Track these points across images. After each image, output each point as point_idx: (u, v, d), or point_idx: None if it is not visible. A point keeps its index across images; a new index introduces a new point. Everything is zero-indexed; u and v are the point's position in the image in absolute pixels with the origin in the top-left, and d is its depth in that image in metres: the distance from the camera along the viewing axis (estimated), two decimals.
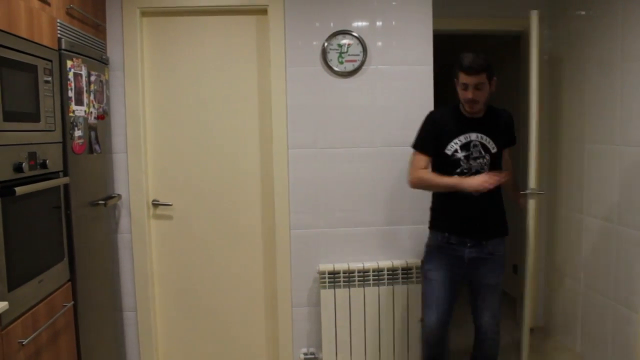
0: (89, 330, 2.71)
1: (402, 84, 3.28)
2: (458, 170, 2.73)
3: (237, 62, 3.31)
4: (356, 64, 3.22)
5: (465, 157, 2.72)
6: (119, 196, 3.22)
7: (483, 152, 2.73)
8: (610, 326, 3.15)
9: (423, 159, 2.79)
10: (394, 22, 3.25)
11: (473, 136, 2.73)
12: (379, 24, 3.24)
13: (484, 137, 2.74)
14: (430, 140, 2.78)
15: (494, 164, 2.77)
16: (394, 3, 3.24)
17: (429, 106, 3.25)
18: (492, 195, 2.75)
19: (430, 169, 2.80)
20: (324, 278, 3.21)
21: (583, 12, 3.44)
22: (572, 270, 3.59)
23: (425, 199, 3.01)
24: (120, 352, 3.31)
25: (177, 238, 3.39)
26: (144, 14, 3.24)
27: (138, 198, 3.26)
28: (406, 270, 3.24)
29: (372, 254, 3.32)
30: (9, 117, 2.01)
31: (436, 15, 3.27)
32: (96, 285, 2.88)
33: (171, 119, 3.33)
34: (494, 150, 2.75)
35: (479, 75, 2.61)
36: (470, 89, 2.63)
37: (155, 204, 3.35)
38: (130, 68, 3.20)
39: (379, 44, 3.24)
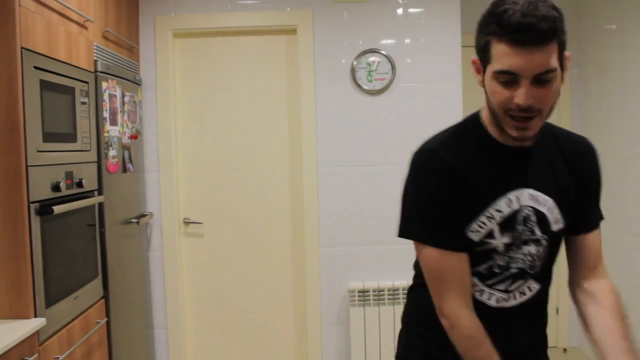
0: (121, 347, 2.74)
1: (430, 101, 3.27)
2: (482, 270, 1.28)
3: (267, 81, 3.35)
4: (385, 82, 3.23)
5: (506, 246, 1.26)
6: (151, 214, 3.27)
7: (537, 231, 1.27)
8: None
9: (455, 260, 1.25)
10: (422, 40, 3.26)
11: (524, 196, 1.25)
12: (407, 41, 3.26)
13: (541, 196, 1.26)
14: (449, 217, 1.25)
15: (550, 258, 1.33)
16: (422, 21, 3.26)
17: None
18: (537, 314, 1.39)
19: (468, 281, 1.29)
20: (354, 296, 3.19)
21: (614, 26, 3.40)
22: None
23: None
24: None
25: (207, 256, 3.42)
26: (177, 35, 3.31)
27: (169, 216, 3.30)
28: None
29: (402, 272, 3.30)
30: (48, 137, 2.07)
31: (465, 31, 3.28)
32: (128, 302, 2.91)
33: (202, 138, 3.38)
34: (557, 227, 1.29)
35: (546, 48, 1.10)
36: (523, 84, 1.12)
37: (187, 222, 3.39)
38: (163, 88, 3.27)
39: (408, 61, 3.25)
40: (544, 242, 1.28)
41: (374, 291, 3.19)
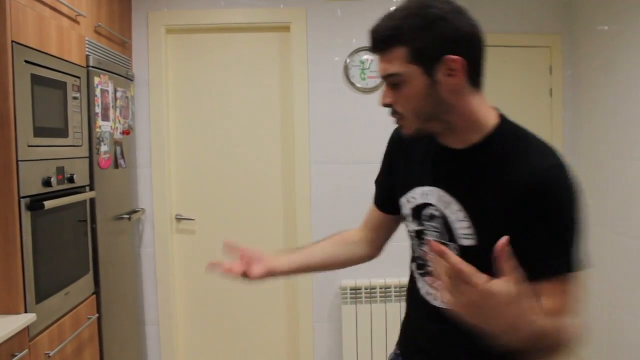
0: (113, 343, 2.74)
1: None
2: (417, 259, 1.37)
3: (260, 78, 3.34)
4: (378, 80, 3.23)
5: (416, 233, 1.33)
6: (143, 210, 3.26)
7: (445, 235, 1.24)
8: (636, 343, 3.08)
9: (372, 209, 1.55)
10: None
11: (433, 195, 1.26)
12: None
13: (454, 203, 1.21)
14: (382, 180, 1.50)
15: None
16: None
17: None
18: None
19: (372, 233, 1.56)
20: (346, 293, 3.20)
21: (606, 27, 3.42)
22: (596, 287, 3.53)
23: None
24: None
25: (199, 252, 3.41)
26: (169, 31, 3.30)
27: (161, 212, 3.30)
28: None
29: (394, 270, 3.30)
30: (39, 132, 2.06)
31: None
32: (120, 299, 2.91)
33: (194, 135, 3.37)
34: (467, 243, 1.19)
35: (387, 54, 1.15)
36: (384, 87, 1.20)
37: (179, 219, 3.38)
38: (155, 84, 3.25)
39: None
40: (454, 251, 1.18)
41: (365, 289, 3.19)
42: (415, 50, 1.10)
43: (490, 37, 4.23)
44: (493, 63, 4.31)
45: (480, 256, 1.03)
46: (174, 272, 3.37)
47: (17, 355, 1.82)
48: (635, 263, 3.08)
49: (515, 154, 1.15)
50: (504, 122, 1.21)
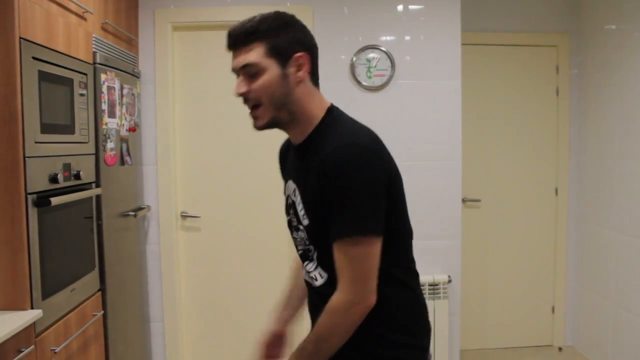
0: (118, 340, 2.74)
1: (430, 98, 3.27)
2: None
3: None
4: (384, 79, 3.23)
5: (288, 223, 1.53)
6: (149, 207, 3.27)
7: (295, 219, 1.46)
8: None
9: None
10: (422, 37, 3.25)
11: (290, 188, 1.49)
12: (407, 38, 3.25)
13: (296, 189, 1.44)
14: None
15: (321, 249, 1.41)
16: (422, 18, 3.25)
17: (457, 120, 3.25)
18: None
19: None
20: None
21: (613, 27, 3.40)
22: (601, 287, 3.52)
23: (447, 210, 2.98)
24: None
25: (204, 250, 3.41)
26: (176, 28, 3.30)
27: (167, 210, 3.30)
28: (433, 285, 3.21)
29: None
30: (46, 129, 2.07)
31: (465, 30, 3.28)
32: (125, 296, 2.91)
33: (201, 132, 3.37)
34: (305, 222, 1.41)
35: (243, 48, 1.36)
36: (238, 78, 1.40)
37: (184, 216, 3.39)
38: (161, 81, 3.26)
39: (407, 58, 3.25)
40: (303, 231, 1.42)
41: None
42: (272, 46, 1.34)
43: (497, 37, 4.22)
44: (500, 62, 4.36)
45: (318, 233, 1.37)
46: (179, 270, 3.38)
47: (23, 351, 1.83)
48: (634, 260, 3.07)
49: (324, 140, 1.36)
50: (327, 114, 1.44)
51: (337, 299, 1.31)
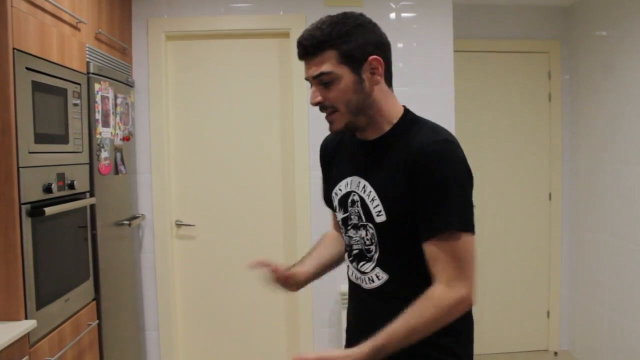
0: (113, 349, 2.73)
1: (423, 105, 3.26)
2: (346, 246, 1.54)
3: (260, 85, 3.35)
4: None
5: (342, 221, 1.50)
6: (143, 216, 3.26)
7: (363, 217, 1.41)
8: (636, 348, 3.08)
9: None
10: (414, 44, 3.27)
11: (353, 183, 1.44)
12: (399, 45, 3.27)
13: (368, 186, 1.40)
14: (325, 181, 1.64)
15: (386, 248, 1.39)
16: (415, 26, 3.27)
17: (450, 127, 3.26)
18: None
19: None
20: (345, 298, 3.19)
21: (605, 33, 3.43)
22: (596, 292, 3.53)
23: None
24: None
25: (199, 258, 3.41)
26: (169, 37, 3.31)
27: (161, 218, 3.30)
28: None
29: None
30: (39, 139, 2.07)
31: (457, 37, 3.30)
32: (120, 305, 2.90)
33: (194, 141, 3.37)
34: (379, 219, 1.37)
35: (319, 57, 1.33)
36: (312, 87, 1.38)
37: (179, 225, 3.39)
38: (155, 90, 3.26)
39: (400, 65, 3.27)
40: (370, 230, 1.40)
41: None
42: (344, 53, 1.31)
43: (489, 43, 4.25)
44: (492, 68, 4.40)
45: (391, 231, 1.35)
46: (174, 278, 3.37)
47: None
48: (636, 268, 3.08)
49: (408, 136, 1.36)
50: (406, 113, 1.44)
51: (443, 293, 1.26)
